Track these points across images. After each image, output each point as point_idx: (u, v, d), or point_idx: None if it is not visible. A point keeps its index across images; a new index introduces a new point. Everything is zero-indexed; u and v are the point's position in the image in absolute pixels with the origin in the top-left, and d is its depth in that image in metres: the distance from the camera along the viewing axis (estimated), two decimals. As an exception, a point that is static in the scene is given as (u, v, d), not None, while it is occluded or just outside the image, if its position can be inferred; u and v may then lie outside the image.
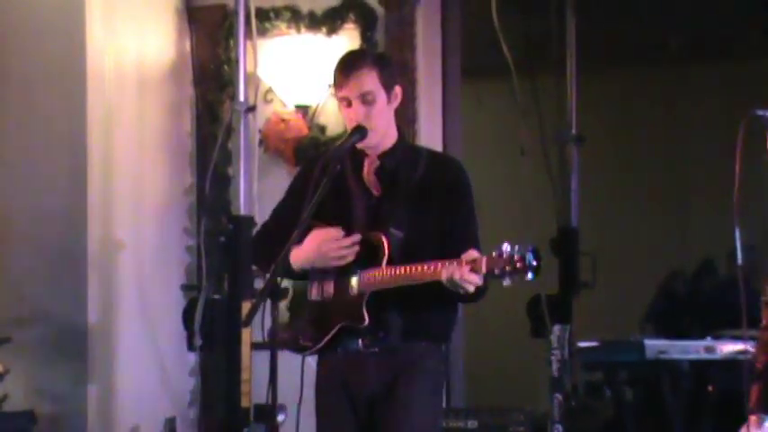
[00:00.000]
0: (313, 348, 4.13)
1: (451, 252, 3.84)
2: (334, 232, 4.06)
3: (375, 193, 4.12)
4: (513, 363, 8.42)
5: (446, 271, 3.77)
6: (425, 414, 4.07)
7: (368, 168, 4.14)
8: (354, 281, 4.02)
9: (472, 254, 3.76)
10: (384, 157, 4.12)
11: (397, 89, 4.13)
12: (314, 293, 4.15)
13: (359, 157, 4.14)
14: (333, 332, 4.05)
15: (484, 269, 3.71)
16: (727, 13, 8.48)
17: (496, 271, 3.67)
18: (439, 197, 4.06)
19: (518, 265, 3.63)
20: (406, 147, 4.23)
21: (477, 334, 7.80)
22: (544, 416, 6.04)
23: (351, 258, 4.04)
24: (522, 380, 7.81)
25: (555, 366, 5.57)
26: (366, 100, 4.03)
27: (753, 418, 3.69)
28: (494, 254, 3.69)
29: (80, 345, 6.09)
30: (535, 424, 6.09)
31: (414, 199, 4.06)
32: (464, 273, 3.73)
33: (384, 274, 3.95)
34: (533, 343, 6.42)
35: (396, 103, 4.14)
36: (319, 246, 4.07)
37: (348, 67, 4.08)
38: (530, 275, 3.64)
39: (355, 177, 4.14)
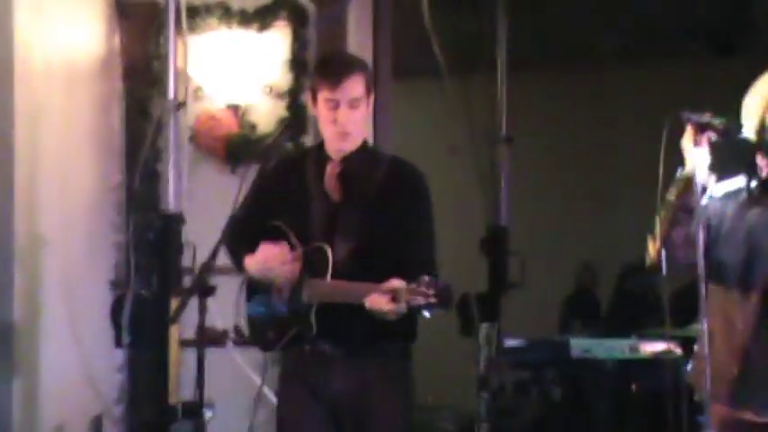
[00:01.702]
0: (271, 349, 4.16)
1: (406, 264, 3.85)
2: (278, 250, 4.06)
3: (334, 198, 4.11)
4: (442, 361, 8.43)
5: (369, 299, 3.78)
6: (396, 422, 4.09)
7: (330, 172, 4.13)
8: (304, 290, 4.03)
9: (393, 283, 3.74)
10: (345, 161, 4.12)
11: (372, 97, 4.14)
12: (274, 296, 4.16)
13: (322, 160, 4.15)
14: (285, 339, 4.06)
15: (402, 300, 3.69)
16: (655, 15, 8.58)
17: (413, 303, 3.67)
18: (397, 206, 4.05)
19: (432, 299, 3.64)
20: (368, 151, 4.21)
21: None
22: (471, 414, 6.07)
23: (292, 275, 4.04)
24: (451, 378, 7.83)
25: (482, 365, 5.60)
26: (354, 105, 4.04)
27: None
28: (413, 285, 3.67)
29: (5, 341, 6.02)
30: (462, 422, 6.14)
31: (372, 206, 4.05)
32: (383, 303, 3.74)
33: (324, 288, 3.96)
34: (462, 341, 6.45)
35: (369, 110, 4.15)
36: (264, 262, 4.08)
37: (340, 70, 4.06)
38: (440, 310, 3.65)
39: (317, 181, 4.14)
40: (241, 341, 5.35)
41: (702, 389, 3.62)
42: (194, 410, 4.03)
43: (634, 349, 6.28)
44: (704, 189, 3.52)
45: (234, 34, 6.72)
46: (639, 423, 6.56)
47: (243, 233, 4.13)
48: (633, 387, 6.57)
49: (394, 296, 3.72)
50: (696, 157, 3.45)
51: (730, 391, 3.49)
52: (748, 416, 3.56)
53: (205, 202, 6.03)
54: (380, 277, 3.81)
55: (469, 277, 6.81)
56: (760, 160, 3.64)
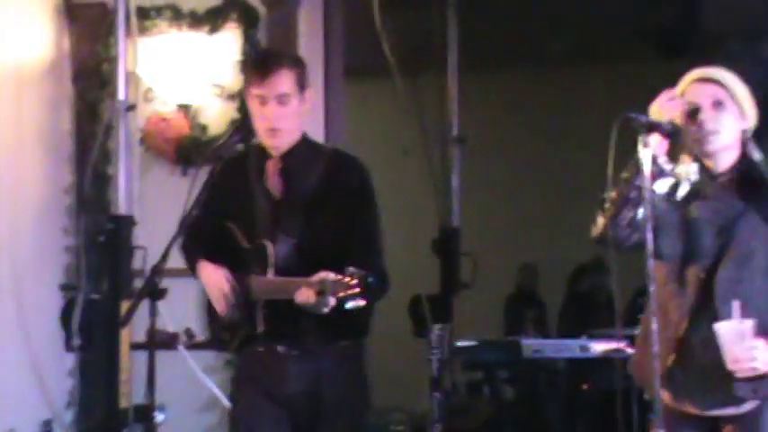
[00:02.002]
0: (227, 350, 4.16)
1: (350, 259, 3.82)
2: (220, 279, 4.05)
3: (276, 194, 4.10)
4: (395, 362, 8.45)
5: (298, 294, 3.79)
6: (352, 421, 4.09)
7: (271, 169, 4.12)
8: (249, 288, 4.02)
9: (319, 275, 3.75)
10: (286, 157, 4.11)
11: (307, 93, 4.11)
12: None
13: (264, 157, 4.13)
14: (239, 339, 4.05)
15: (329, 292, 3.70)
16: (608, 17, 8.63)
17: (341, 294, 3.68)
18: (338, 200, 4.05)
19: (355, 290, 3.65)
20: (308, 146, 4.19)
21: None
22: (424, 415, 6.08)
23: (226, 306, 4.04)
24: (404, 379, 7.85)
25: (435, 366, 5.60)
26: (282, 101, 4.02)
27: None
28: (338, 277, 3.68)
29: (-46, 345, 5.99)
30: (415, 423, 6.14)
31: (313, 202, 4.04)
32: (310, 296, 3.76)
33: (266, 285, 3.96)
34: (415, 342, 6.46)
35: (305, 106, 4.12)
36: (207, 285, 4.09)
37: (267, 66, 4.06)
38: (361, 302, 3.66)
39: (259, 179, 4.13)
40: (192, 344, 5.33)
41: (640, 379, 3.67)
42: (145, 414, 4.01)
43: (585, 349, 6.31)
44: (660, 173, 3.53)
45: (184, 36, 6.69)
46: (590, 422, 6.61)
47: (196, 235, 4.13)
48: (584, 386, 6.62)
49: (320, 289, 3.72)
50: (644, 157, 3.47)
51: (667, 382, 3.53)
52: (690, 409, 3.59)
53: (156, 204, 6.01)
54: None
55: (422, 278, 6.83)
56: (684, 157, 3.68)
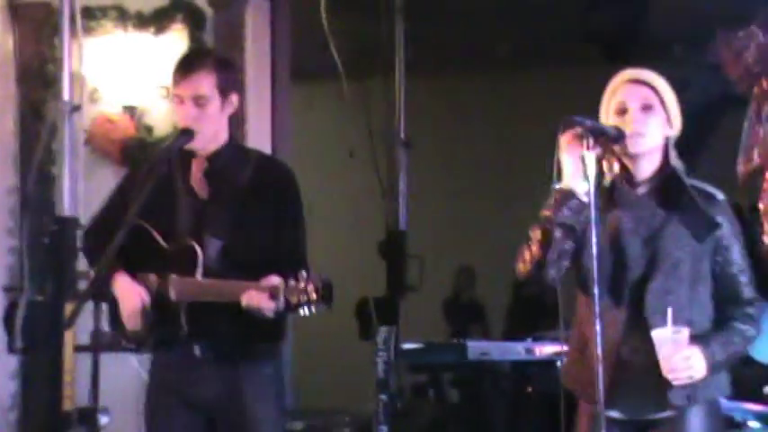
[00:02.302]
0: (140, 350, 4.11)
1: (276, 261, 3.84)
2: (135, 299, 4.01)
3: (201, 195, 4.08)
4: (342, 365, 8.46)
5: (246, 297, 3.77)
6: (270, 425, 4.07)
7: (196, 170, 4.10)
8: (171, 290, 3.98)
9: (272, 280, 3.75)
10: (212, 158, 4.08)
11: (234, 97, 4.09)
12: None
13: (188, 158, 4.10)
14: (157, 339, 4.02)
15: (282, 297, 3.70)
16: (554, 20, 8.68)
17: (293, 300, 3.68)
18: (266, 202, 4.03)
19: (313, 296, 3.65)
20: (235, 149, 4.19)
21: (305, 336, 7.81)
22: (369, 417, 6.08)
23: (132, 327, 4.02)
24: (350, 381, 7.85)
25: (381, 368, 5.61)
26: (199, 102, 3.99)
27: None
28: (292, 282, 3.69)
29: None
30: (360, 425, 6.13)
31: (240, 203, 4.03)
32: (262, 300, 3.74)
33: (194, 287, 3.92)
34: (361, 345, 6.46)
35: (230, 110, 4.09)
36: (121, 300, 4.06)
37: (187, 66, 4.04)
38: (321, 307, 3.67)
39: (183, 179, 4.10)
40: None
41: (574, 389, 3.69)
42: (89, 416, 3.99)
43: (529, 351, 6.34)
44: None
45: (130, 37, 6.67)
46: (535, 424, 6.64)
47: (98, 235, 4.11)
48: (529, 389, 6.65)
49: (273, 293, 3.71)
50: (588, 160, 3.49)
51: (603, 395, 3.55)
52: (614, 414, 3.62)
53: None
54: (249, 275, 3.81)
55: (368, 281, 6.83)
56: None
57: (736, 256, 3.65)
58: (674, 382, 3.52)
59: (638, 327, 3.58)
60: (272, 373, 4.10)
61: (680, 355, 3.49)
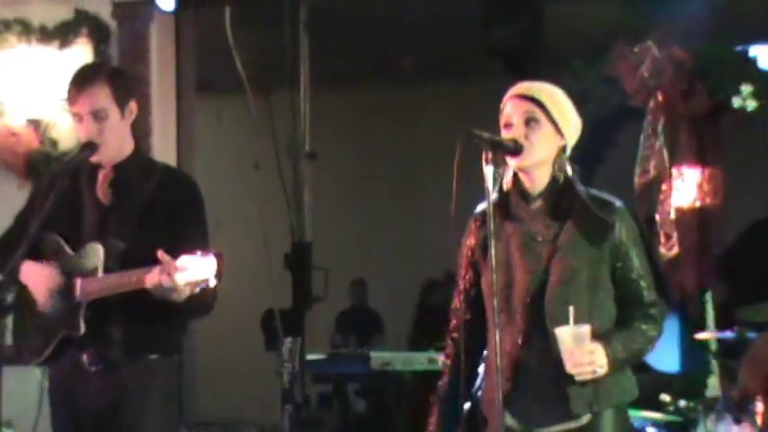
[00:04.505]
0: (37, 360, 4.08)
1: None
2: (48, 276, 4.03)
3: (105, 202, 4.09)
4: (248, 375, 8.48)
5: (148, 278, 3.79)
6: None
7: (102, 179, 4.11)
8: (75, 290, 3.99)
9: (167, 258, 3.76)
10: (118, 168, 4.10)
11: (132, 104, 4.10)
12: (42, 302, 4.10)
13: (94, 168, 4.12)
14: (54, 344, 4.00)
15: (173, 272, 3.72)
16: (458, 35, 8.78)
17: (190, 278, 3.71)
18: (169, 212, 4.05)
19: (205, 271, 3.70)
20: (141, 159, 4.21)
21: (212, 347, 7.82)
22: (275, 428, 6.12)
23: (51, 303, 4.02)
24: (256, 392, 7.88)
25: (286, 378, 5.65)
26: (98, 117, 4.00)
27: None
28: (190, 257, 3.72)
29: None
30: (267, 436, 6.17)
31: (143, 211, 4.04)
32: (164, 278, 3.74)
33: (97, 284, 3.93)
34: (267, 356, 6.49)
35: (131, 118, 4.11)
36: (33, 282, 4.06)
37: (80, 82, 4.03)
38: (212, 282, 3.72)
39: (89, 188, 4.11)
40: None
41: (487, 413, 3.75)
42: (-7, 430, 3.97)
43: (432, 361, 6.41)
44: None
45: (34, 50, 6.64)
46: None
47: (6, 248, 4.08)
48: (432, 398, 6.72)
49: (168, 270, 3.73)
50: (487, 174, 3.55)
51: (508, 406, 3.61)
52: (509, 421, 3.67)
53: (4, 218, 5.94)
54: None
55: (274, 292, 6.87)
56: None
57: (636, 260, 3.69)
58: (578, 378, 3.54)
59: (538, 338, 3.61)
60: (164, 385, 4.09)
61: (583, 349, 3.51)
